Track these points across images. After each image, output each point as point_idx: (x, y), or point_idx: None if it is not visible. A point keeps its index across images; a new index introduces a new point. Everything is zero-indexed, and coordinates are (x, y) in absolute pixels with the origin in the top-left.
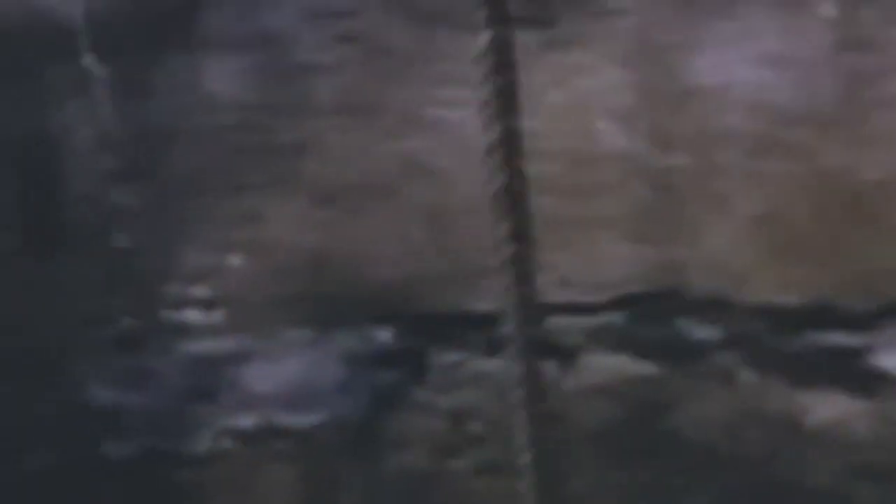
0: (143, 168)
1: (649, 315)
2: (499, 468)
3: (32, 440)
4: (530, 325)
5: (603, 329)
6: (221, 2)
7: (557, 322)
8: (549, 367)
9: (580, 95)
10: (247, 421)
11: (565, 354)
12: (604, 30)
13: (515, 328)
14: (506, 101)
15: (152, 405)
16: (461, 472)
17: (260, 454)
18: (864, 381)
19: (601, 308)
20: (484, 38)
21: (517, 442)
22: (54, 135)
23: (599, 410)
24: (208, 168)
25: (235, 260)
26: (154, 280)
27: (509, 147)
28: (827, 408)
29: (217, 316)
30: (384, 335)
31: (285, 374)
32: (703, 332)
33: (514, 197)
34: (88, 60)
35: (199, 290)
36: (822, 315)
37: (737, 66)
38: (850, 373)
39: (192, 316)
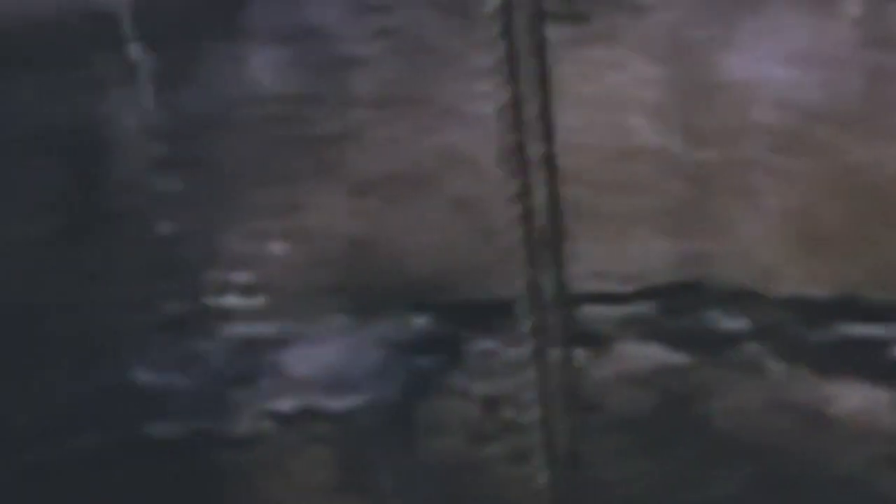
0: (187, 156)
1: (680, 306)
2: (532, 454)
3: (80, 420)
4: (563, 315)
5: (634, 319)
6: None
7: (590, 311)
8: (582, 356)
9: (613, 90)
10: (286, 404)
11: (597, 343)
12: (636, 26)
13: (549, 317)
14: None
15: (195, 388)
16: (494, 458)
17: (299, 436)
18: (888, 371)
19: (632, 298)
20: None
21: (550, 429)
22: (101, 122)
23: (629, 398)
24: (251, 157)
25: (277, 247)
26: (198, 266)
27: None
28: (852, 398)
29: (259, 301)
30: (421, 322)
31: (324, 359)
32: (732, 323)
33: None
34: (134, 50)
35: (242, 276)
36: (847, 307)
37: (765, 63)
38: (875, 363)
39: (235, 301)
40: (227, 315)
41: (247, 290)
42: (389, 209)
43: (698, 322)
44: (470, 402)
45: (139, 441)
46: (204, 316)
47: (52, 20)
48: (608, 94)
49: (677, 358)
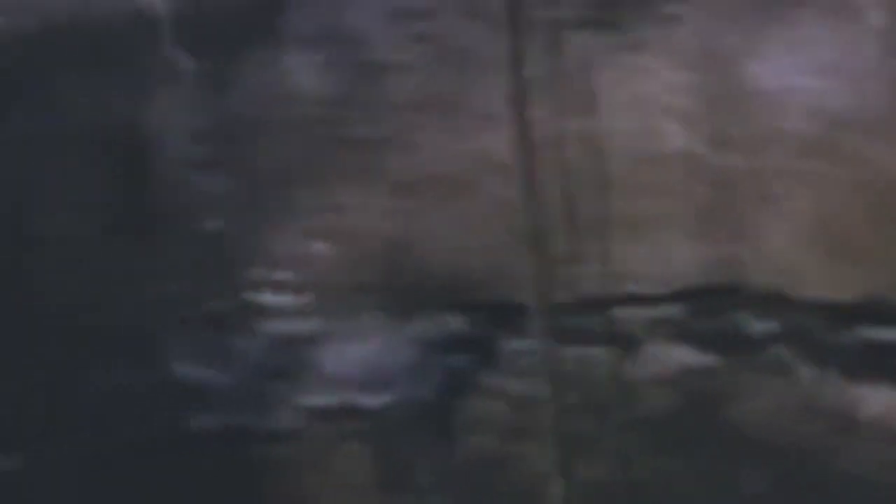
0: (229, 157)
1: (708, 308)
2: (561, 453)
3: (123, 414)
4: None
5: (664, 321)
6: (305, 0)
7: (620, 313)
8: (612, 356)
9: (643, 97)
10: (324, 400)
11: (627, 345)
12: (666, 34)
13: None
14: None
15: (235, 383)
16: (526, 456)
17: (336, 432)
18: None
19: (662, 300)
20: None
21: (580, 428)
22: (145, 123)
23: (659, 400)
24: (292, 159)
25: (316, 247)
26: (239, 264)
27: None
28: (879, 401)
29: (298, 299)
30: (456, 322)
31: (362, 357)
32: (760, 325)
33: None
34: (177, 53)
35: (282, 275)
36: (873, 311)
37: (792, 72)
38: None
39: (275, 299)
40: (268, 312)
41: (287, 288)
42: (427, 211)
43: (727, 325)
44: (503, 400)
45: (180, 435)
46: (245, 313)
47: (98, 23)
48: (639, 100)
49: (706, 360)
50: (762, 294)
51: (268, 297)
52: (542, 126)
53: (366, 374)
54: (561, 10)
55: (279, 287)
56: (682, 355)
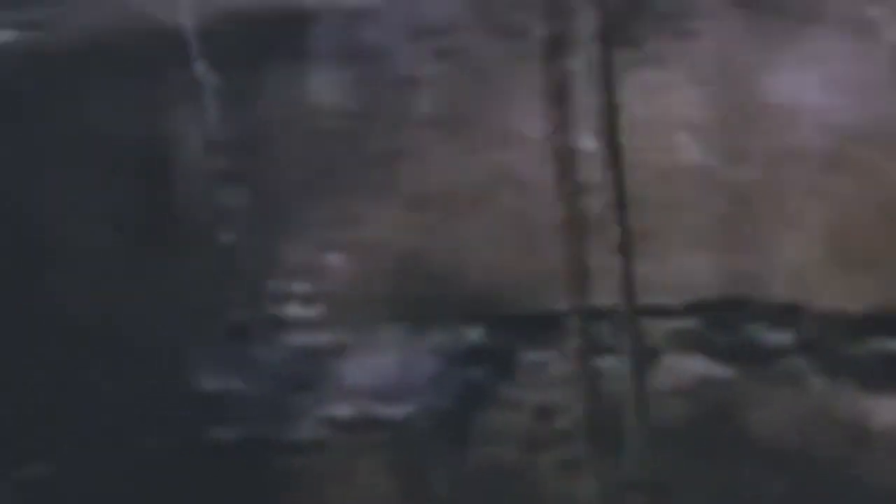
0: (249, 171)
1: (724, 320)
2: (582, 464)
3: (146, 424)
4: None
5: (681, 332)
6: (326, 17)
7: (638, 325)
8: (630, 367)
9: (662, 112)
10: (343, 411)
11: (647, 356)
12: (685, 50)
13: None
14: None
15: (256, 394)
16: (546, 467)
17: (355, 443)
18: None
19: (679, 312)
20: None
21: (600, 438)
22: (167, 137)
23: (676, 409)
24: (311, 172)
25: (336, 259)
26: (259, 276)
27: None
28: (892, 411)
29: (318, 311)
30: (474, 334)
31: (380, 368)
32: (774, 337)
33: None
34: (200, 69)
35: (302, 287)
36: (886, 322)
37: (807, 87)
38: None
39: (295, 310)
40: (288, 323)
41: (307, 299)
42: (445, 224)
43: (742, 336)
44: (521, 412)
45: (201, 445)
46: (265, 324)
47: (122, 39)
48: (657, 115)
49: (722, 371)
50: (777, 306)
51: (289, 309)
52: (559, 140)
53: (385, 386)
54: (580, 25)
55: (300, 299)
56: (699, 367)
